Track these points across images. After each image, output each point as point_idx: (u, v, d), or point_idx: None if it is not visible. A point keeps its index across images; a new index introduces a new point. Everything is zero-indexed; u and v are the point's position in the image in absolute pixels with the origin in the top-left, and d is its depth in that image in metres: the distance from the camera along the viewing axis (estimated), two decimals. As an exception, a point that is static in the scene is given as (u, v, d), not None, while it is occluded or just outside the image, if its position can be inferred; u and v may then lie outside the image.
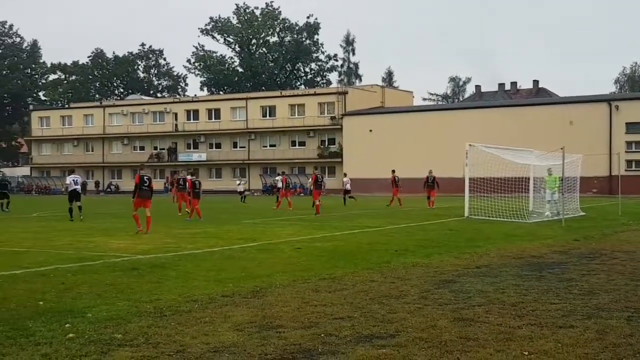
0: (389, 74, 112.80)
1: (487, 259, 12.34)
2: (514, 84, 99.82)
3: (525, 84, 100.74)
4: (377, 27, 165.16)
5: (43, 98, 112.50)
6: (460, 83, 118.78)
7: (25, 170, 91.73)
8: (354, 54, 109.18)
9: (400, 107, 73.13)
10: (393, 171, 36.99)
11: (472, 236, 17.08)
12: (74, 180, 26.03)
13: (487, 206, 24.45)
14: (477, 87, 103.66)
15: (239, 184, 47.53)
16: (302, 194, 66.18)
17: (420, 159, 62.75)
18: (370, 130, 67.41)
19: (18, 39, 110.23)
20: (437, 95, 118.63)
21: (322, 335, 6.53)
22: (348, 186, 39.12)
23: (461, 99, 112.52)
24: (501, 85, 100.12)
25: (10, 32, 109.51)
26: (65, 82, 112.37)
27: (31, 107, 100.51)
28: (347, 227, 20.51)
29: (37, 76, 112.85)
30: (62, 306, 7.92)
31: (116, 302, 8.15)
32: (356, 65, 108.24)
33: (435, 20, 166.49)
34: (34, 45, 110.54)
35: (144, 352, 5.91)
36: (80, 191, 26.25)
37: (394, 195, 35.13)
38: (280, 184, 36.70)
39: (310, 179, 30.33)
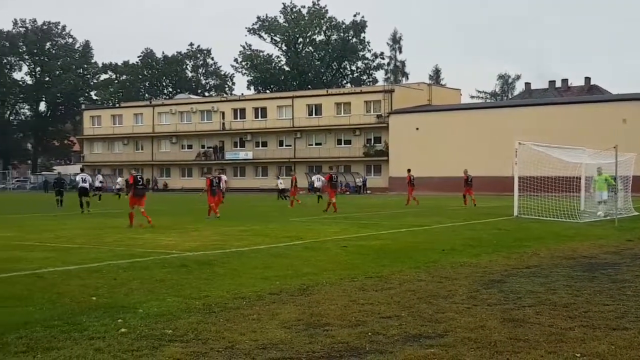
0: (436, 72, 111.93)
1: (537, 259, 12.14)
2: (564, 81, 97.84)
3: (577, 81, 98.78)
4: (424, 25, 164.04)
5: (94, 97, 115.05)
6: (510, 80, 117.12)
7: (77, 169, 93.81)
8: (400, 52, 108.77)
9: (447, 105, 72.44)
10: (409, 170, 37.35)
11: (522, 236, 16.82)
12: (82, 178, 29.72)
13: (537, 205, 24.04)
14: (527, 84, 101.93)
15: (280, 182, 48.08)
16: (347, 193, 66.17)
17: (468, 158, 62.06)
18: (417, 129, 66.95)
19: (71, 40, 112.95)
20: (485, 93, 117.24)
21: (370, 334, 6.52)
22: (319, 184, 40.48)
23: (510, 97, 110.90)
24: (552, 82, 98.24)
25: (63, 32, 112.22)
26: (116, 81, 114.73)
27: (83, 106, 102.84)
28: (393, 226, 20.41)
29: (89, 76, 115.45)
30: (114, 302, 8.07)
31: (166, 298, 8.27)
32: (403, 63, 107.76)
33: (484, 16, 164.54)
34: (86, 45, 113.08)
35: (194, 348, 5.99)
36: (88, 188, 29.72)
37: (409, 194, 35.57)
38: (318, 183, 39.64)
39: (324, 178, 30.91)
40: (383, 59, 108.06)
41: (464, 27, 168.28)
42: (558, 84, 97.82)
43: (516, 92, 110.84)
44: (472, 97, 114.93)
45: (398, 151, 67.88)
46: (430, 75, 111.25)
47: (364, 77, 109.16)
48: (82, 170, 33.41)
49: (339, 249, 13.75)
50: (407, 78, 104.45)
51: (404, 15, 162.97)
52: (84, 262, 11.66)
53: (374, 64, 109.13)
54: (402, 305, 7.90)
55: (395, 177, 67.44)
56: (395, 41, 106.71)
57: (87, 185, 29.40)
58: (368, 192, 66.50)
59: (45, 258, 12.32)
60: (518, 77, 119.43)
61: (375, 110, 72.59)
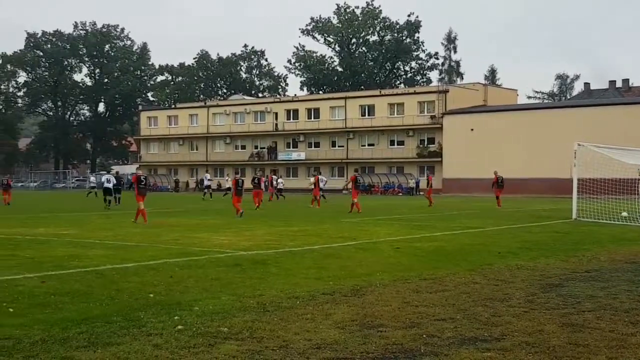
0: (492, 72, 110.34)
1: (596, 263, 11.84)
2: (625, 81, 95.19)
3: (638, 81, 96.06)
4: (480, 24, 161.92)
5: (151, 99, 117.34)
6: (568, 80, 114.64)
7: (134, 168, 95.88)
8: (455, 51, 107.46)
9: (503, 105, 71.26)
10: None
11: (581, 239, 16.43)
12: (107, 179, 34.31)
13: (597, 208, 23.46)
14: (586, 84, 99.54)
15: (281, 182, 49.01)
16: (400, 194, 65.83)
17: (525, 159, 61.09)
18: (472, 130, 66.13)
19: (129, 42, 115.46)
20: (542, 93, 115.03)
21: (424, 336, 6.46)
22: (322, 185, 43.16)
23: (569, 97, 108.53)
24: (612, 82, 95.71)
25: (122, 35, 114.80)
26: (172, 83, 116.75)
27: (140, 107, 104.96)
28: (448, 228, 20.20)
29: (146, 77, 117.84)
30: (171, 299, 8.20)
31: (221, 297, 8.36)
32: (457, 63, 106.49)
33: (541, 15, 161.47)
34: (144, 47, 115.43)
35: (249, 346, 6.04)
36: (112, 187, 33.72)
37: (428, 195, 36.80)
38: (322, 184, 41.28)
39: (349, 180, 32.14)
40: (437, 59, 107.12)
41: (520, 26, 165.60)
42: (619, 84, 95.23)
43: (575, 93, 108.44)
44: (529, 97, 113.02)
45: (452, 152, 67.20)
46: (485, 75, 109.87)
47: (418, 78, 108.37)
48: (108, 172, 37.10)
49: (393, 250, 13.68)
50: (462, 78, 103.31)
51: (459, 15, 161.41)
52: (141, 260, 11.89)
53: (428, 64, 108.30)
54: (457, 307, 7.81)
55: (449, 178, 66.85)
56: (450, 41, 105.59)
57: (110, 185, 33.70)
58: (421, 193, 65.99)
59: (104, 255, 12.62)
60: (577, 77, 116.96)
61: (429, 110, 72.00)
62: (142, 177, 23.08)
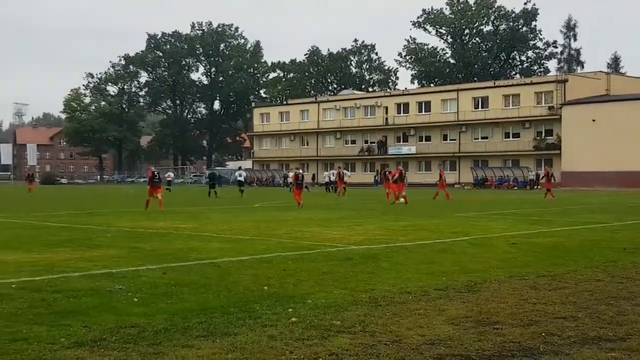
0: (615, 60, 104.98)
1: None
2: None
3: None
4: (602, 10, 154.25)
5: (264, 95, 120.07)
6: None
7: (248, 164, 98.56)
8: (575, 39, 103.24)
9: (628, 94, 67.58)
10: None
11: None
12: (238, 174, 42.66)
13: None
14: None
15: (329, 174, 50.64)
16: (515, 188, 63.95)
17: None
18: (594, 120, 63.19)
19: (242, 41, 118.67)
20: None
21: (543, 334, 6.23)
22: (332, 177, 47.72)
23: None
24: None
25: (236, 34, 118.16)
26: (284, 79, 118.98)
27: (253, 104, 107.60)
28: (567, 223, 19.39)
29: (258, 75, 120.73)
30: (284, 292, 8.34)
31: (333, 290, 8.41)
32: (577, 51, 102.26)
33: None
34: (257, 45, 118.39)
35: (362, 340, 6.04)
36: (243, 181, 42.34)
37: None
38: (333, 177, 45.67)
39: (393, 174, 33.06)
40: (556, 47, 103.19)
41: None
42: None
43: None
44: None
45: (572, 144, 64.55)
46: (608, 63, 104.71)
47: (535, 68, 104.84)
48: (239, 168, 46.11)
49: (508, 246, 13.28)
50: (583, 67, 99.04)
51: (579, 1, 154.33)
52: (255, 253, 12.16)
53: (546, 53, 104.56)
54: (578, 305, 7.48)
55: (569, 171, 64.23)
56: (570, 28, 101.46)
57: (242, 179, 41.93)
58: (537, 187, 63.84)
59: (220, 248, 13.01)
60: None
61: (546, 101, 69.44)
62: (155, 172, 27.05)
